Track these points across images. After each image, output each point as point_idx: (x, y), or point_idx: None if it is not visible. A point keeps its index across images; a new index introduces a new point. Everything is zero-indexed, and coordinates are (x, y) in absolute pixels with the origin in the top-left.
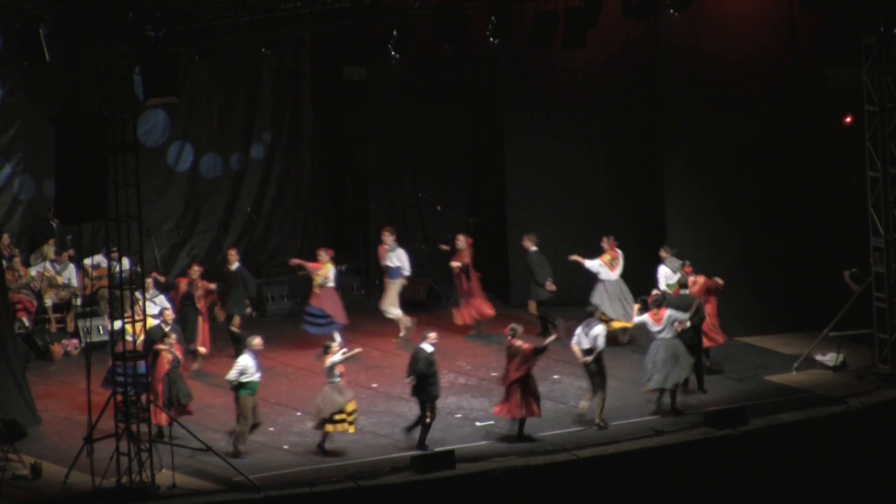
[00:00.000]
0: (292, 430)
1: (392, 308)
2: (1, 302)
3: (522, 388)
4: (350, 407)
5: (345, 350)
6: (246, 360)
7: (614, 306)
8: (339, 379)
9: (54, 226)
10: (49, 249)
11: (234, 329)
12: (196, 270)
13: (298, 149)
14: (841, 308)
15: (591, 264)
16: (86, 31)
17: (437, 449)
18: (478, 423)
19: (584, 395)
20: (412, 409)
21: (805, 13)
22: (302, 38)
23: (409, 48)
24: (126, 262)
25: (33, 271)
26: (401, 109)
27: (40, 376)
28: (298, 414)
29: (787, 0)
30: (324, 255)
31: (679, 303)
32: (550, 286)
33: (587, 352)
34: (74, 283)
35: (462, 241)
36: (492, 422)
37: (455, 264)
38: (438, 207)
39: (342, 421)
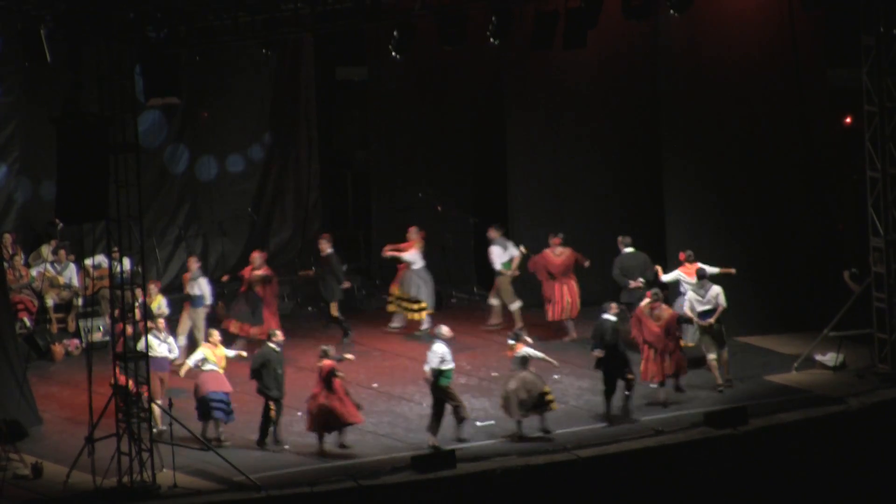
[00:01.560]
0: (293, 429)
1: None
2: (2, 302)
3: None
4: None
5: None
6: (442, 349)
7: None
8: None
9: (58, 227)
10: (47, 250)
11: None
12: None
13: (298, 149)
14: (841, 308)
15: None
16: (87, 32)
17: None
18: (478, 423)
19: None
20: (412, 409)
21: (805, 13)
22: (303, 39)
23: (409, 49)
24: (127, 262)
25: (34, 271)
26: (401, 110)
27: (41, 376)
28: (299, 414)
29: (787, 0)
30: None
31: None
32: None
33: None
34: (75, 283)
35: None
36: (492, 422)
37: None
38: (439, 208)
39: None
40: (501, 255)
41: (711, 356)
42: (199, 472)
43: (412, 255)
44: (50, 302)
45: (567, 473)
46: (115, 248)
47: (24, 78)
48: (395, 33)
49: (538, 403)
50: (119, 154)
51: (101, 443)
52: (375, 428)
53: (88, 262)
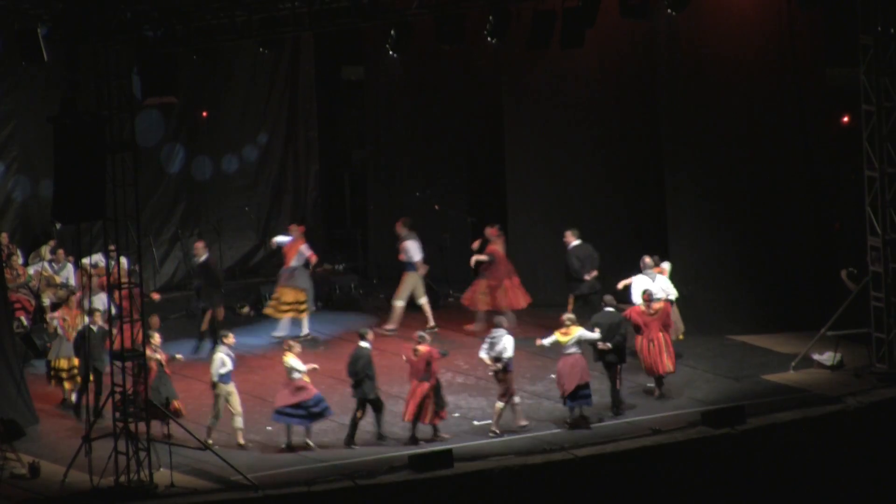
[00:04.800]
0: (290, 429)
1: None
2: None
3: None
4: None
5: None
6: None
7: None
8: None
9: (56, 227)
10: (46, 250)
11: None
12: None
13: (296, 148)
14: (838, 307)
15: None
16: (84, 31)
17: (434, 448)
18: (475, 423)
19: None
20: None
21: (803, 13)
22: (300, 38)
23: (407, 48)
24: (124, 262)
25: (31, 270)
26: (399, 109)
27: (39, 376)
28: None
29: (786, 0)
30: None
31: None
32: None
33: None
34: (73, 282)
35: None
36: (489, 421)
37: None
38: (437, 207)
39: None
40: (417, 250)
41: None
42: (197, 472)
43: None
44: (47, 301)
45: (565, 473)
46: (112, 247)
47: (21, 78)
48: (392, 32)
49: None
50: (116, 153)
51: (99, 442)
52: (373, 427)
53: (86, 261)
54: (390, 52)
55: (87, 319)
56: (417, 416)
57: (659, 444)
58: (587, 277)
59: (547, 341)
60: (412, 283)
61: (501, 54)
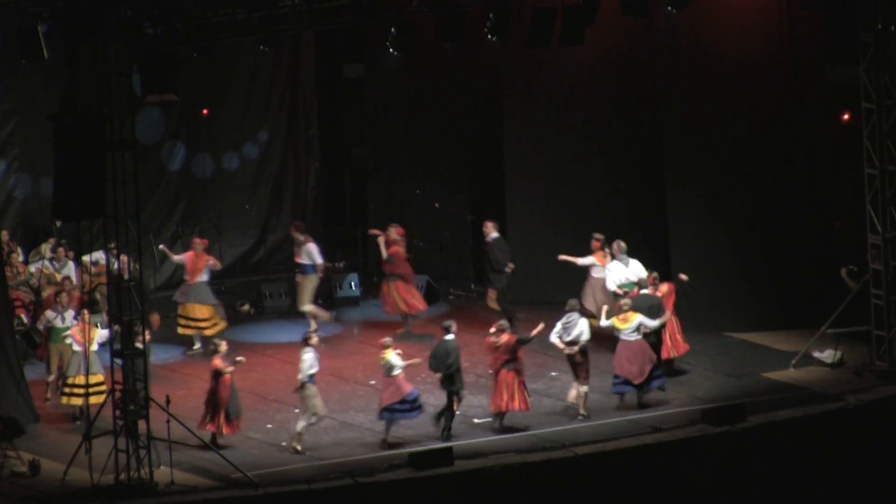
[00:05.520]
0: (290, 426)
1: None
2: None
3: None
4: None
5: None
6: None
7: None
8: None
9: (57, 225)
10: (47, 248)
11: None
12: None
13: (297, 146)
14: (839, 305)
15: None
16: (84, 29)
17: (434, 445)
18: (476, 420)
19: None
20: None
21: (803, 11)
22: (301, 36)
23: (407, 46)
24: (125, 259)
25: (32, 268)
26: (399, 107)
27: (38, 373)
28: (296, 411)
29: None
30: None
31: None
32: None
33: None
34: (74, 279)
35: None
36: (490, 419)
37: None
38: (437, 205)
39: None
40: (318, 253)
41: None
42: (197, 470)
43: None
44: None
45: (565, 470)
46: (113, 245)
47: (22, 75)
48: (392, 30)
49: None
50: (116, 151)
51: (99, 440)
52: (373, 425)
53: (86, 258)
54: (391, 50)
55: (100, 329)
56: (505, 405)
57: (659, 441)
58: (507, 269)
59: (604, 324)
60: (313, 286)
61: (501, 52)
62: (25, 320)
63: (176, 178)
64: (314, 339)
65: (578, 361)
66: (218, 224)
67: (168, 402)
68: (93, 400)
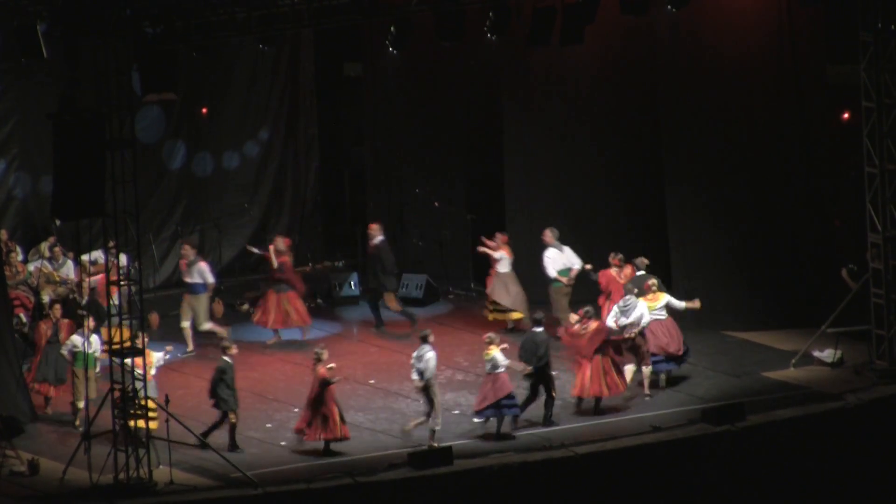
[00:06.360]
0: (290, 426)
1: None
2: None
3: None
4: None
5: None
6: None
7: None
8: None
9: (56, 224)
10: (46, 247)
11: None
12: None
13: (296, 145)
14: (838, 304)
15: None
16: (84, 28)
17: (434, 445)
18: (475, 420)
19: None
20: (409, 406)
21: (803, 9)
22: (300, 35)
23: (407, 45)
24: (124, 259)
25: (31, 267)
26: (399, 106)
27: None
28: (296, 410)
29: None
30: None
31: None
32: None
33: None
34: (73, 278)
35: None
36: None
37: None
38: (436, 204)
39: None
40: (210, 272)
41: None
42: (196, 469)
43: None
44: (46, 298)
45: (564, 470)
46: (112, 244)
47: (21, 74)
48: (392, 29)
49: None
50: (116, 150)
51: (98, 439)
52: (372, 424)
53: (85, 257)
54: (390, 49)
55: (156, 353)
56: (603, 389)
57: (659, 441)
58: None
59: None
60: (206, 306)
61: (501, 51)
62: (25, 319)
63: (176, 177)
64: (432, 337)
65: (639, 344)
66: (218, 223)
67: (167, 401)
68: (150, 425)
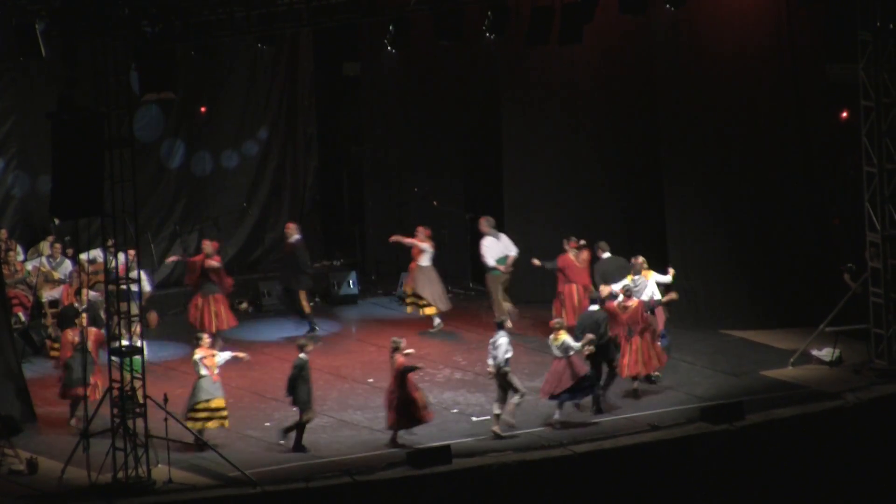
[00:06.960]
0: (289, 426)
1: None
2: None
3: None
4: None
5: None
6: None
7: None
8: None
9: (56, 223)
10: (45, 246)
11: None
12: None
13: (295, 145)
14: (837, 303)
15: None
16: (82, 27)
17: (433, 444)
18: (474, 419)
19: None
20: None
21: (802, 8)
22: (299, 34)
23: (405, 44)
24: (122, 258)
25: (29, 266)
26: (397, 105)
27: (36, 372)
28: (294, 409)
29: None
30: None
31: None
32: None
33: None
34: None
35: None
36: (488, 417)
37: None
38: (435, 203)
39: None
40: (147, 281)
41: None
42: (195, 468)
43: None
44: (45, 297)
45: (563, 469)
46: (111, 244)
47: (20, 73)
48: (391, 28)
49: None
50: (114, 149)
51: (96, 438)
52: (371, 423)
53: (84, 257)
54: (389, 48)
55: (220, 353)
56: (641, 368)
57: (657, 440)
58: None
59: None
60: None
61: (500, 50)
62: (23, 318)
63: (175, 177)
64: (510, 324)
65: (650, 322)
66: (217, 222)
67: (166, 400)
68: (215, 424)
